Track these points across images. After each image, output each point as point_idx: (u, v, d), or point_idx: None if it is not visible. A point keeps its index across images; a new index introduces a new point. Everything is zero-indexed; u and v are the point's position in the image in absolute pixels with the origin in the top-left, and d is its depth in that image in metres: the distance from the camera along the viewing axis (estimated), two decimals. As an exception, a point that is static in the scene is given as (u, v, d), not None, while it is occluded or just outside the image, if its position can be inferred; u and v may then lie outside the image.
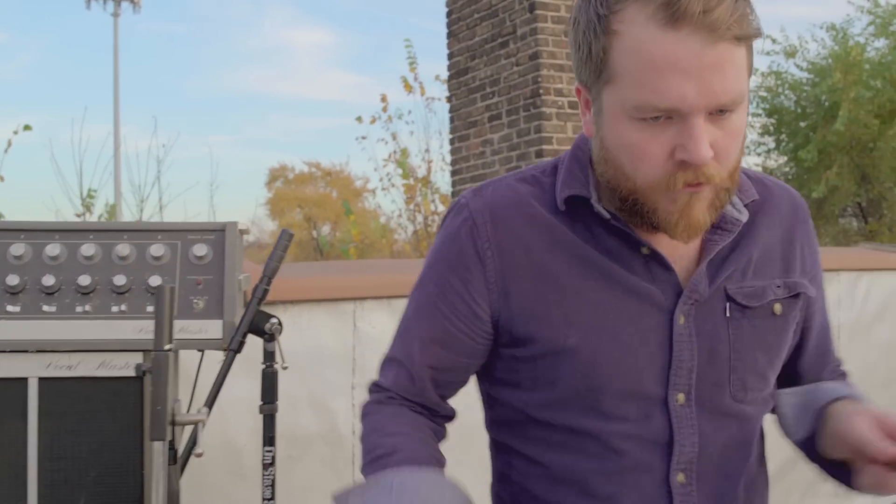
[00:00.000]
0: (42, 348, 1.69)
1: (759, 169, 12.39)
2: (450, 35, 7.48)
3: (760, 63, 15.52)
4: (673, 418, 1.13)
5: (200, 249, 1.76)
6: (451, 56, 7.47)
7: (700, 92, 0.98)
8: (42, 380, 1.70)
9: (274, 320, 1.61)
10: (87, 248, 1.73)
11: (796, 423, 1.25)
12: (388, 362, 1.26)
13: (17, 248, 1.72)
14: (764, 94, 11.44)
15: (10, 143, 6.99)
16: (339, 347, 2.74)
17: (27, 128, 7.43)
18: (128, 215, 9.04)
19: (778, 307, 1.18)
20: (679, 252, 1.15)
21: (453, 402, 1.28)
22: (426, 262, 1.23)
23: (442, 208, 9.10)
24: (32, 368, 1.70)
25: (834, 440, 1.15)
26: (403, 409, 1.24)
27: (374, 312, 2.78)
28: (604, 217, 1.12)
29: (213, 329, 1.71)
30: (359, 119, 10.04)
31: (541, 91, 6.41)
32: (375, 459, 1.16)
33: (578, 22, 1.06)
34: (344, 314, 2.75)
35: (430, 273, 1.21)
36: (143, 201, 7.75)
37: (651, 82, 0.99)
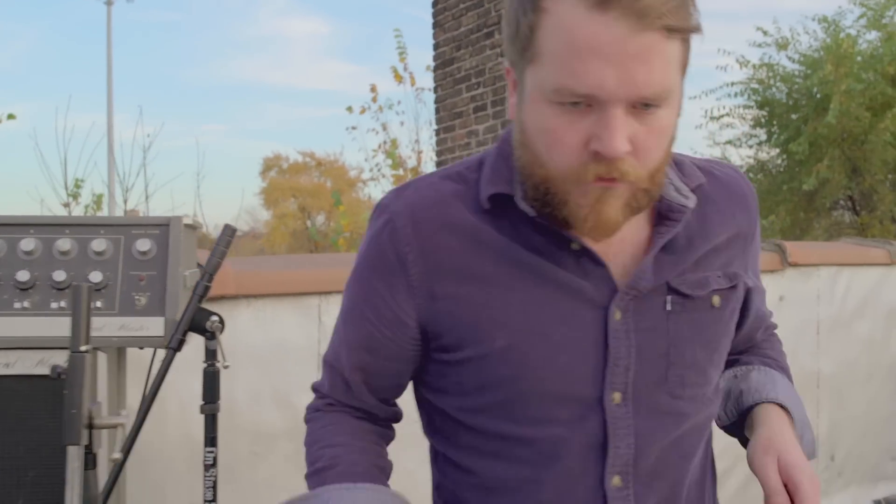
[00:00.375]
0: (-21, 345, 1.65)
1: (752, 161, 12.36)
2: (435, 25, 7.42)
3: (752, 55, 15.47)
4: (608, 419, 1.08)
5: (144, 244, 1.71)
6: (436, 46, 7.42)
7: (621, 80, 0.93)
8: (-21, 378, 1.65)
9: (214, 318, 1.56)
10: (27, 243, 1.69)
11: (720, 409, 1.26)
12: (324, 365, 1.24)
13: (-46, 243, 1.68)
14: (755, 86, 11.37)
15: (-8, 132, 6.95)
16: (304, 342, 2.70)
17: (11, 116, 7.38)
18: (120, 204, 8.99)
19: (717, 299, 1.14)
20: (620, 246, 1.09)
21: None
22: (354, 264, 1.19)
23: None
24: (-31, 366, 1.66)
25: (748, 461, 1.17)
26: (344, 417, 1.21)
27: (340, 307, 2.75)
28: (529, 214, 1.07)
29: (154, 326, 1.67)
30: (349, 109, 10.01)
31: (526, 82, 6.34)
32: (316, 472, 1.15)
33: None
34: (309, 308, 2.72)
35: (355, 277, 1.17)
36: (128, 191, 7.69)
37: (571, 65, 0.94)
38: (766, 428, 1.18)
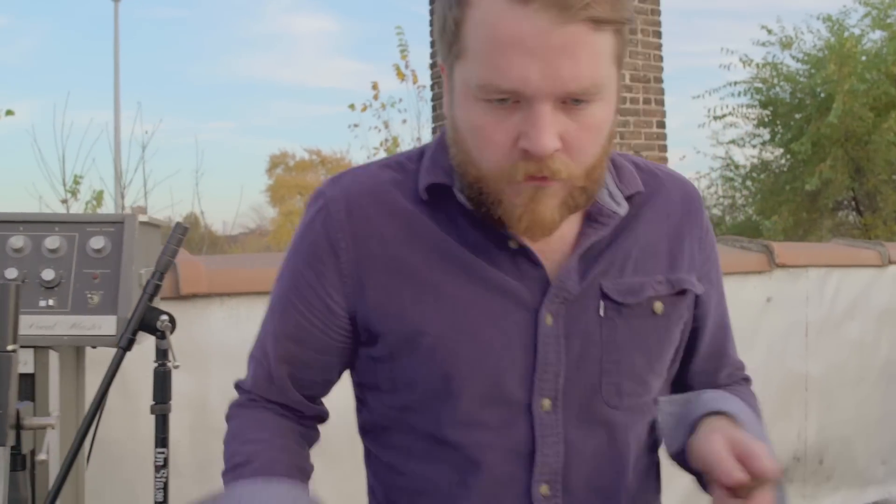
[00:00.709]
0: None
1: (756, 161, 12.31)
2: (432, 23, 7.40)
3: (756, 54, 15.39)
4: (536, 426, 1.05)
5: (98, 242, 1.69)
6: (433, 44, 7.39)
7: (545, 75, 0.90)
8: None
9: (165, 317, 1.54)
10: (-21, 240, 1.67)
11: (671, 436, 1.16)
12: (249, 359, 1.20)
13: None
14: (759, 85, 11.32)
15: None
16: (278, 341, 2.68)
17: (9, 112, 7.39)
18: (117, 201, 8.98)
19: (659, 306, 1.10)
20: (552, 247, 1.06)
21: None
22: (285, 254, 1.16)
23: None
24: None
25: (692, 455, 1.08)
26: (266, 414, 1.17)
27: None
28: (468, 208, 1.04)
29: (106, 325, 1.65)
30: (351, 107, 9.96)
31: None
32: (232, 468, 1.11)
33: None
34: (283, 307, 2.69)
35: (286, 266, 1.14)
36: (125, 187, 7.69)
37: (494, 60, 0.91)
38: (708, 426, 1.09)
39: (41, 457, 1.30)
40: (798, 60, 11.16)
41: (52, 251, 1.68)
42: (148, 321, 1.55)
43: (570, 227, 1.07)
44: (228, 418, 1.19)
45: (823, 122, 10.11)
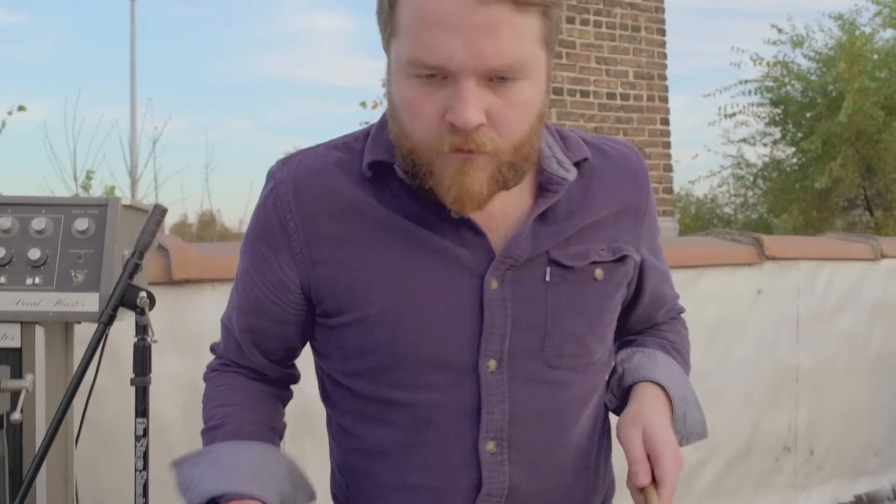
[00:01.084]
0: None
1: (767, 160, 12.30)
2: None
3: (767, 52, 15.31)
4: (482, 385, 1.11)
5: (82, 224, 1.77)
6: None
7: (468, 52, 0.95)
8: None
9: (143, 294, 1.62)
10: (-31, 221, 1.75)
11: (608, 393, 1.29)
12: (221, 326, 1.30)
13: None
14: (770, 83, 11.31)
15: (3, 124, 7.09)
16: (269, 326, 2.75)
17: (21, 108, 7.53)
18: (140, 198, 9.10)
19: (599, 272, 1.16)
20: (503, 218, 1.12)
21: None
22: (246, 231, 1.24)
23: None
24: None
25: (619, 437, 1.18)
26: (238, 377, 1.27)
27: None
28: (407, 182, 1.10)
29: (89, 302, 1.73)
30: (363, 104, 10.07)
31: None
32: (209, 430, 1.21)
33: None
34: (273, 293, 2.76)
35: (246, 243, 1.22)
36: (136, 182, 7.81)
37: (422, 37, 0.97)
38: (637, 403, 1.20)
39: (15, 416, 1.38)
40: (809, 59, 11.15)
41: (39, 232, 1.76)
42: (128, 298, 1.62)
43: (522, 197, 1.13)
44: (205, 379, 1.29)
45: (834, 120, 10.10)
